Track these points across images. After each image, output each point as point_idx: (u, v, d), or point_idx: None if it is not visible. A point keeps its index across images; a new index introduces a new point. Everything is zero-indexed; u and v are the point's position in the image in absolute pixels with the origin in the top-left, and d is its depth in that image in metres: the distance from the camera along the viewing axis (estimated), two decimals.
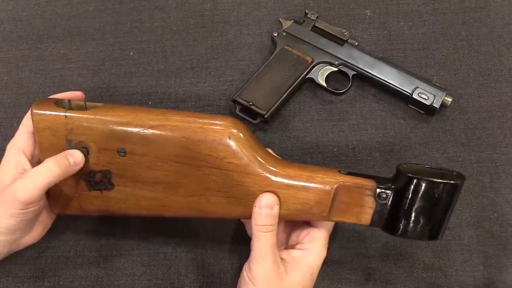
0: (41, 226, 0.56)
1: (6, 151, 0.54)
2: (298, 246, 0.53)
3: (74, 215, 0.57)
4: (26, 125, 0.55)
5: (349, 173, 0.51)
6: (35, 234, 0.55)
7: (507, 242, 0.61)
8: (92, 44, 0.74)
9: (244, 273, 0.52)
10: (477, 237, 0.61)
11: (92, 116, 0.53)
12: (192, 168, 0.52)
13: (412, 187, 0.47)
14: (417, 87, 0.65)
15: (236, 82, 0.70)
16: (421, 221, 0.48)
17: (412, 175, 0.47)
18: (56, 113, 0.53)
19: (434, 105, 0.64)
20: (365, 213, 0.50)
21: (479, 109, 0.67)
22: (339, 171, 0.52)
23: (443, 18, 0.72)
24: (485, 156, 0.64)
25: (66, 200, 0.55)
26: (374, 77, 0.66)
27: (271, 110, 0.64)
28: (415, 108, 0.66)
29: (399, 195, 0.48)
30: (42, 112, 0.53)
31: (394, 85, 0.66)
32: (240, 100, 0.65)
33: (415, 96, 0.65)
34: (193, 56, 0.72)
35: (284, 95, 0.65)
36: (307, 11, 0.70)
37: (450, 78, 0.69)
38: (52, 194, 0.55)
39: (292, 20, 0.70)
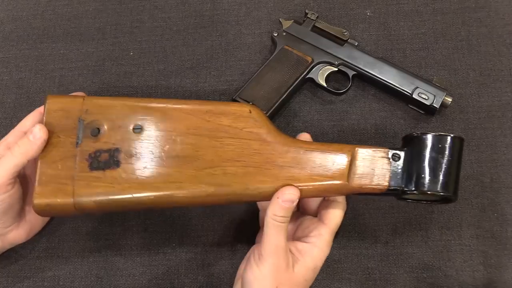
0: (27, 225, 0.56)
1: None
2: (304, 239, 0.54)
3: (64, 212, 0.53)
4: (22, 125, 0.56)
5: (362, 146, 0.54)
6: (21, 232, 0.56)
7: (507, 242, 0.61)
8: (92, 44, 0.74)
9: (251, 257, 0.52)
10: (477, 237, 0.61)
11: (111, 98, 0.55)
12: (211, 139, 0.53)
13: (422, 143, 0.51)
14: (417, 87, 0.65)
15: (236, 82, 0.70)
16: (435, 173, 0.51)
17: (420, 133, 0.52)
18: (74, 97, 0.55)
19: (434, 105, 0.64)
20: (383, 175, 0.52)
21: (479, 109, 0.67)
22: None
23: (443, 18, 0.72)
24: (485, 156, 0.64)
25: (57, 184, 0.52)
26: (374, 77, 0.66)
27: (271, 110, 0.64)
28: (415, 108, 0.66)
29: (411, 153, 0.52)
30: (60, 96, 0.55)
31: (394, 85, 0.66)
32: (240, 100, 0.65)
33: (415, 96, 0.65)
34: (193, 56, 0.72)
35: (284, 95, 0.65)
36: (307, 11, 0.70)
37: (450, 78, 0.69)
38: (42, 179, 0.52)
39: (292, 20, 0.70)
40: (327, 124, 0.67)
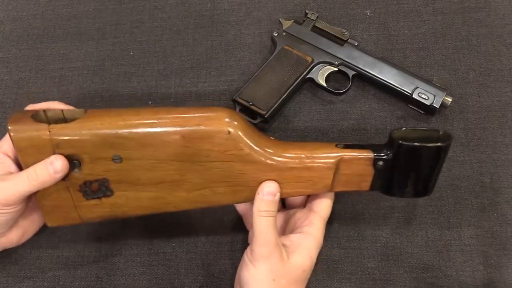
0: (20, 230, 0.55)
1: None
2: (296, 231, 0.54)
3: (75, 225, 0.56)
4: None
5: (346, 146, 0.53)
6: (13, 237, 0.55)
7: (507, 242, 0.61)
8: (92, 44, 0.74)
9: (245, 256, 0.52)
10: (477, 237, 0.61)
11: (79, 127, 0.50)
12: (194, 164, 0.51)
13: (404, 152, 0.50)
14: (417, 87, 0.65)
15: (236, 82, 0.70)
16: (414, 181, 0.52)
17: (402, 142, 0.50)
18: (38, 129, 0.49)
19: (434, 105, 0.64)
20: (365, 181, 0.53)
21: (479, 109, 0.67)
22: (336, 145, 0.53)
23: (443, 18, 0.72)
24: (485, 156, 0.64)
25: (63, 213, 0.54)
26: (374, 77, 0.66)
27: (271, 110, 0.64)
28: (415, 108, 0.66)
29: (393, 160, 0.51)
30: (21, 129, 0.49)
31: (394, 85, 0.66)
32: (240, 100, 0.65)
33: (415, 96, 0.65)
34: (193, 56, 0.72)
35: (284, 95, 0.65)
36: (307, 11, 0.70)
37: (450, 78, 0.69)
38: (47, 209, 0.53)
39: (292, 20, 0.70)
40: (327, 124, 0.67)
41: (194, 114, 0.51)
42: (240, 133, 0.50)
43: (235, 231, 0.63)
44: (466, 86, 0.68)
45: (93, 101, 0.70)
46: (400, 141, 0.50)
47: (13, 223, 0.54)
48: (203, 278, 0.61)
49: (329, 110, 0.68)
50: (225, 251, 0.62)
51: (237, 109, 0.66)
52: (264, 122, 0.66)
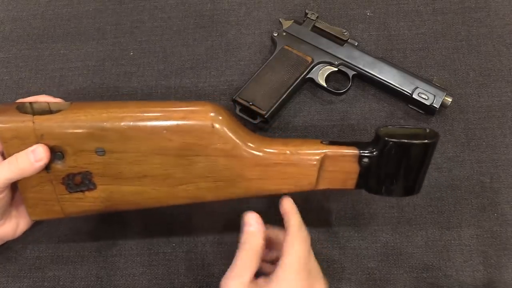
0: (13, 221, 0.55)
1: None
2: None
3: (59, 219, 0.56)
4: None
5: (332, 143, 0.52)
6: (8, 229, 0.55)
7: (507, 242, 0.61)
8: (92, 44, 0.74)
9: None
10: (477, 237, 0.61)
11: (62, 119, 0.50)
12: (178, 158, 0.51)
13: (389, 149, 0.50)
14: (417, 87, 0.65)
15: (236, 82, 0.70)
16: (401, 179, 0.51)
17: (388, 138, 0.50)
18: (22, 120, 0.50)
19: (434, 105, 0.64)
20: (350, 179, 0.52)
21: (479, 109, 0.67)
22: (321, 142, 0.53)
23: (443, 18, 0.72)
24: (485, 156, 0.64)
25: (45, 205, 0.53)
26: (374, 77, 0.66)
27: (271, 110, 0.64)
28: (415, 108, 0.66)
29: (379, 157, 0.51)
30: (6, 119, 0.50)
31: (394, 85, 0.66)
32: (240, 100, 0.65)
33: (415, 96, 0.65)
34: (193, 56, 0.72)
35: (284, 95, 0.65)
36: (307, 11, 0.70)
37: (450, 78, 0.69)
38: (30, 202, 0.53)
39: (292, 20, 0.70)
40: (327, 124, 0.67)
41: (178, 108, 0.51)
42: (224, 127, 0.50)
43: (235, 231, 0.63)
44: (466, 86, 0.68)
45: (93, 101, 0.70)
46: (386, 138, 0.50)
47: (1, 212, 0.54)
48: (203, 278, 0.61)
49: (329, 110, 0.68)
50: (225, 251, 0.62)
51: (237, 109, 0.66)
52: (264, 122, 0.66)
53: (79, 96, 0.71)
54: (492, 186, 0.63)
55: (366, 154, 0.51)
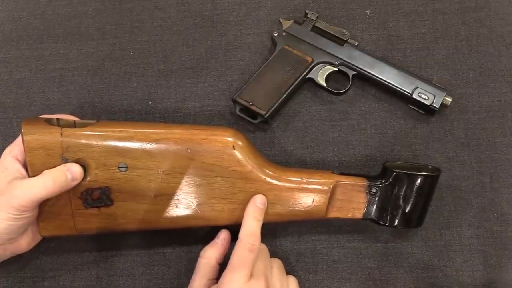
0: (29, 236, 0.55)
1: (2, 157, 0.54)
2: None
3: (67, 236, 0.56)
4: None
5: (342, 174, 0.57)
6: (23, 243, 0.55)
7: (507, 242, 0.61)
8: (92, 44, 0.74)
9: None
10: (477, 237, 0.61)
11: (91, 132, 0.52)
12: (197, 178, 0.53)
13: (397, 181, 0.55)
14: (417, 87, 0.65)
15: (236, 82, 0.70)
16: (407, 210, 0.55)
17: (395, 170, 0.55)
18: (50, 131, 0.51)
19: (434, 105, 0.64)
20: (358, 208, 0.56)
21: (479, 109, 0.67)
22: (332, 172, 0.57)
23: (443, 18, 0.72)
24: (485, 156, 0.64)
25: (59, 220, 0.54)
26: (374, 77, 0.66)
27: (271, 110, 0.64)
28: (415, 108, 0.66)
29: (386, 189, 0.55)
30: (34, 130, 0.51)
31: (394, 85, 0.66)
32: (240, 100, 0.65)
33: (415, 96, 0.65)
34: (193, 56, 0.72)
35: (284, 95, 0.65)
36: (307, 11, 0.70)
37: (450, 78, 0.69)
38: (43, 215, 0.53)
39: (292, 20, 0.70)
40: (327, 124, 0.67)
41: (201, 129, 0.54)
42: (243, 151, 0.53)
43: (235, 231, 0.63)
44: (466, 86, 0.68)
45: (93, 101, 0.70)
46: (393, 169, 0.55)
47: (25, 228, 0.54)
48: None
49: (329, 110, 0.68)
50: None
51: (237, 109, 0.66)
52: (264, 122, 0.66)
53: (79, 96, 0.71)
54: (492, 186, 0.63)
55: (374, 184, 0.55)
